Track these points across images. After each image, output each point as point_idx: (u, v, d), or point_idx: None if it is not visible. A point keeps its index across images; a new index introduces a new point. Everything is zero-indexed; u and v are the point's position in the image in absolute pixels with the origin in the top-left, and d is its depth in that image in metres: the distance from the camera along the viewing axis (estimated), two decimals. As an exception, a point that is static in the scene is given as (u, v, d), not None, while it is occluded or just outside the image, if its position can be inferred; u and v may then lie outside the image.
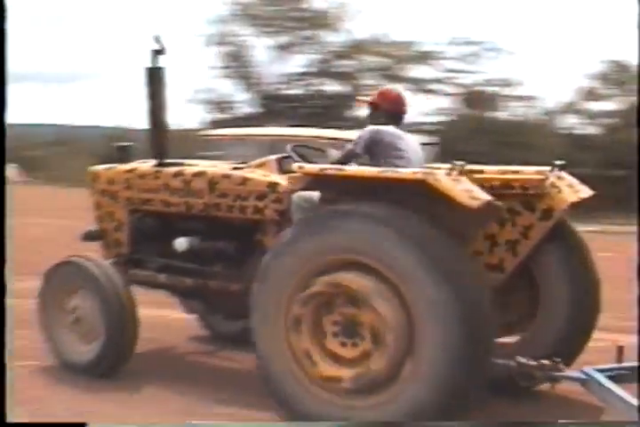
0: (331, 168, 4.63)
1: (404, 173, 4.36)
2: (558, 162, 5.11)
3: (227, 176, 5.48)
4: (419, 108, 25.44)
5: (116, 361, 5.50)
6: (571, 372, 4.52)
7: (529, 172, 5.09)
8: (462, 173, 4.31)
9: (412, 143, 5.18)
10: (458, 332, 4.00)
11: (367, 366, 4.23)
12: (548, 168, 5.06)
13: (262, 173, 5.42)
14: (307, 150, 5.66)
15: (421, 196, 4.24)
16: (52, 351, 5.74)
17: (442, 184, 4.17)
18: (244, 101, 29.53)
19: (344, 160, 5.05)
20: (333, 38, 28.28)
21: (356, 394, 4.29)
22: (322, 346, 4.41)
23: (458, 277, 4.08)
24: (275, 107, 28.14)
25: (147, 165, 5.94)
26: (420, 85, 26.94)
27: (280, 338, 4.51)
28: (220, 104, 29.49)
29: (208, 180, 5.52)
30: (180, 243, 5.61)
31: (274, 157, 5.52)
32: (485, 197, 4.27)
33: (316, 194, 4.95)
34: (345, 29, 28.00)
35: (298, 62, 28.75)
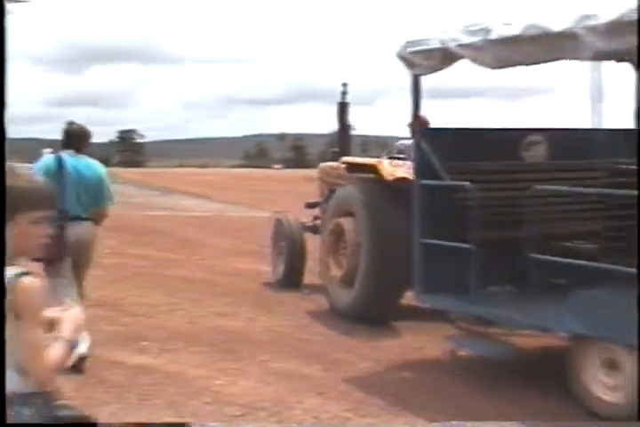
0: (346, 160, 8.16)
1: (368, 160, 7.45)
2: None
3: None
4: None
5: (292, 282, 9.33)
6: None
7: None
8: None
9: None
10: (379, 255, 7.02)
11: (345, 269, 7.53)
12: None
13: None
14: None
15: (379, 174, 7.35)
16: (272, 271, 9.58)
17: (380, 166, 7.17)
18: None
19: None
20: None
21: (342, 285, 7.67)
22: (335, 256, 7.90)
23: (381, 216, 7.24)
24: None
25: (336, 162, 9.44)
26: None
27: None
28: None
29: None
30: None
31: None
32: (401, 175, 7.08)
33: None
34: None
35: None
